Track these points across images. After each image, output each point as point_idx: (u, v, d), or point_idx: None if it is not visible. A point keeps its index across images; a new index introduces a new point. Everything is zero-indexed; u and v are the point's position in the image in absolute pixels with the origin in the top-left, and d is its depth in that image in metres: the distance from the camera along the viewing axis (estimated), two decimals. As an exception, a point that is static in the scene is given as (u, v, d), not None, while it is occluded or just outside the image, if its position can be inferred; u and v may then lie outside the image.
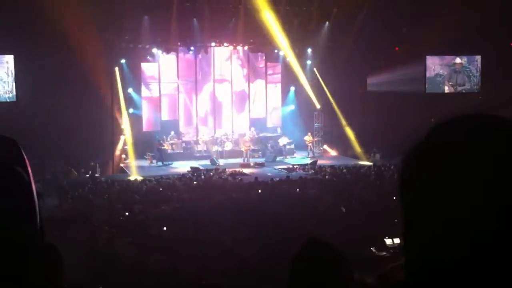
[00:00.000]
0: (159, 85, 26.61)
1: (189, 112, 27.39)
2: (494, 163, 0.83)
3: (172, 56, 26.53)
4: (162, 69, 26.62)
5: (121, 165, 24.28)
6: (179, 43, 26.08)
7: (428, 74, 28.44)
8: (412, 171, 0.91)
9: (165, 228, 11.78)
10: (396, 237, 10.44)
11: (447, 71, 28.55)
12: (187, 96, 27.43)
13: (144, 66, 26.30)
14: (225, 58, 27.71)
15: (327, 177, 19.88)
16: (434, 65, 28.58)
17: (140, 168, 23.19)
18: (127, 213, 13.48)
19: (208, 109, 27.78)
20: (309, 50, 27.97)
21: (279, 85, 28.91)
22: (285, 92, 28.85)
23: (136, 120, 25.75)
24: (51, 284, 0.95)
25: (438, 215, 0.85)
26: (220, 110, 27.85)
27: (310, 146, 26.62)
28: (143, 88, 26.38)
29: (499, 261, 0.83)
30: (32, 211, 0.93)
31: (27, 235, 0.92)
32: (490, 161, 0.83)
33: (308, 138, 26.59)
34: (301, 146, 27.08)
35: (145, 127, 26.32)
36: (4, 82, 23.61)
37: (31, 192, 0.94)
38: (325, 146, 27.90)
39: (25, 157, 0.97)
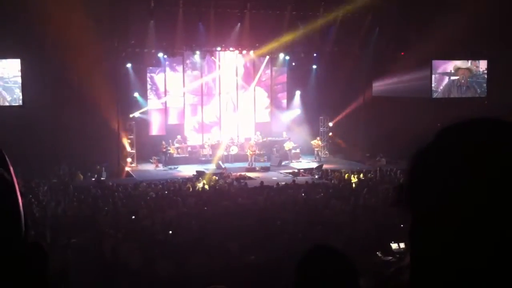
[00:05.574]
0: (165, 89, 26.67)
1: (195, 117, 27.44)
2: (501, 165, 0.83)
3: (178, 59, 26.62)
4: (168, 74, 26.71)
5: (127, 169, 24.31)
6: (184, 48, 26.14)
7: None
8: (418, 173, 0.91)
9: (170, 232, 11.76)
10: (402, 241, 10.39)
11: (446, 85, 27.83)
12: (193, 100, 27.50)
13: (150, 71, 26.39)
14: (231, 62, 27.73)
15: (332, 181, 19.85)
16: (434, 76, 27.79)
17: (146, 172, 23.24)
18: (133, 217, 13.47)
19: (214, 113, 27.81)
20: (315, 55, 27.97)
21: (285, 89, 28.93)
22: (290, 97, 28.85)
23: (142, 124, 25.82)
24: (36, 282, 0.96)
25: (444, 218, 0.85)
26: (225, 115, 27.87)
27: (317, 150, 26.59)
28: (149, 92, 26.45)
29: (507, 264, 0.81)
30: (17, 211, 0.96)
31: (12, 234, 0.93)
32: (497, 163, 0.83)
33: (315, 142, 26.58)
34: (307, 151, 27.06)
35: (151, 131, 26.40)
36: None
37: (15, 193, 0.96)
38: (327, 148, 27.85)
39: (6, 158, 0.99)
